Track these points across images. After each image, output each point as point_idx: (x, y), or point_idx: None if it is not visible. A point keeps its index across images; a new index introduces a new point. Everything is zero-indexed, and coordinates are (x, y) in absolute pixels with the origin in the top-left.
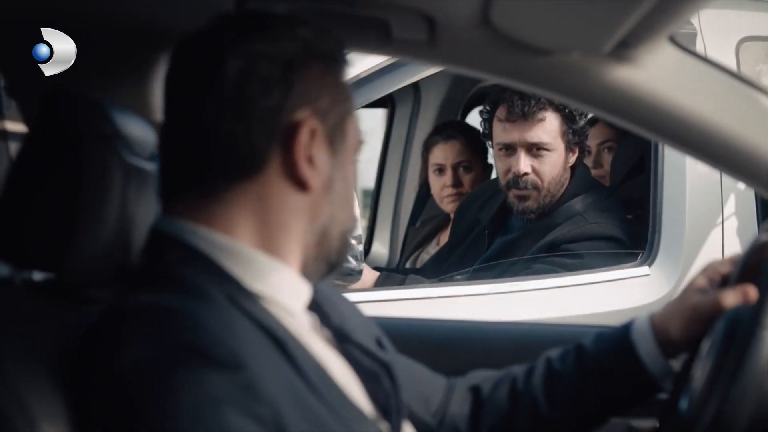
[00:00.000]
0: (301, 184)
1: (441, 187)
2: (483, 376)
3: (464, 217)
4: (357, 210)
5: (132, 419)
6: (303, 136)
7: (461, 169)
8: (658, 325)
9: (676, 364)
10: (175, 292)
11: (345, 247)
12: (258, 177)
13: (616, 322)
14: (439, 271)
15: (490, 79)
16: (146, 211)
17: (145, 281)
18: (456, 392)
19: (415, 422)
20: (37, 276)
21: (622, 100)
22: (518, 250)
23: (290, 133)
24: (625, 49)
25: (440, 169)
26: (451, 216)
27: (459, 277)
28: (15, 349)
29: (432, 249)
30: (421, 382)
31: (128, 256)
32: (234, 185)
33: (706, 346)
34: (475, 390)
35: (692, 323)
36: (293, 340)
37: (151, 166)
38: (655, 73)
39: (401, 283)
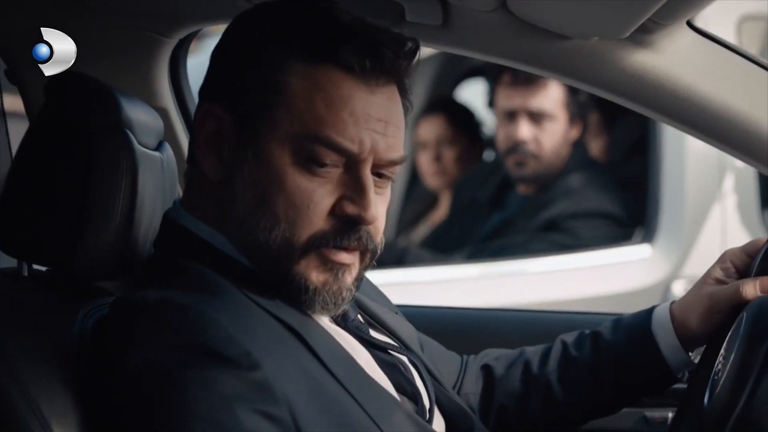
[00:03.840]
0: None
1: (425, 163)
2: (496, 355)
3: (462, 194)
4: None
5: (142, 419)
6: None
7: (445, 144)
8: (677, 316)
9: (695, 355)
10: (187, 286)
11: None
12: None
13: (618, 304)
14: (438, 248)
15: (504, 64)
16: (156, 199)
17: (157, 272)
18: (469, 370)
19: None
20: (46, 269)
21: (641, 86)
22: (516, 228)
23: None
24: (644, 33)
25: (425, 145)
26: (437, 192)
27: (457, 256)
28: (25, 347)
29: (425, 226)
30: (437, 360)
31: (138, 246)
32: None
33: (727, 339)
34: (488, 369)
35: (712, 314)
36: (314, 329)
37: (159, 155)
38: (674, 57)
39: (401, 261)
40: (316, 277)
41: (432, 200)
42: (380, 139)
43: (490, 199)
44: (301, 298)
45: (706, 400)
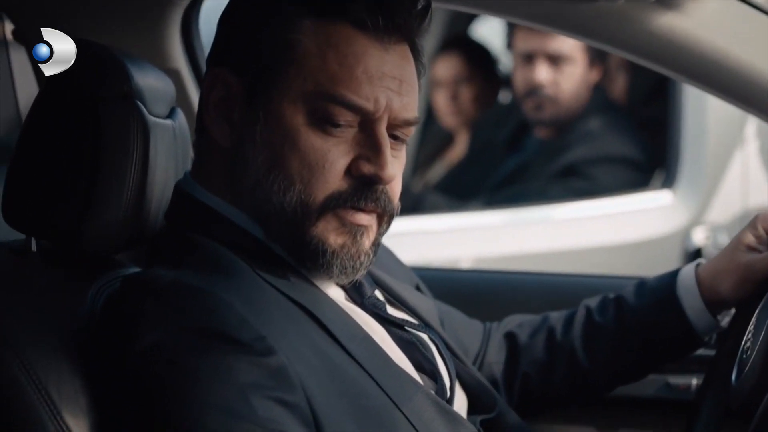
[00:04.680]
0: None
1: (442, 102)
2: (519, 322)
3: (479, 136)
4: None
5: (152, 406)
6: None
7: (462, 82)
8: (704, 280)
9: (723, 319)
10: (200, 265)
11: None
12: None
13: (637, 252)
14: (454, 192)
15: (529, 26)
16: (168, 169)
17: (170, 249)
18: (492, 339)
19: None
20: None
21: (667, 48)
22: (532, 171)
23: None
24: None
25: (441, 83)
26: (453, 132)
27: (474, 202)
28: (33, 331)
29: (441, 167)
30: (459, 330)
31: (150, 219)
32: None
33: (757, 313)
34: (512, 337)
35: (744, 283)
36: (329, 308)
37: (170, 122)
38: (701, 19)
39: (417, 208)
40: (334, 239)
41: (448, 139)
42: (395, 98)
43: (507, 142)
44: (319, 262)
45: (734, 377)
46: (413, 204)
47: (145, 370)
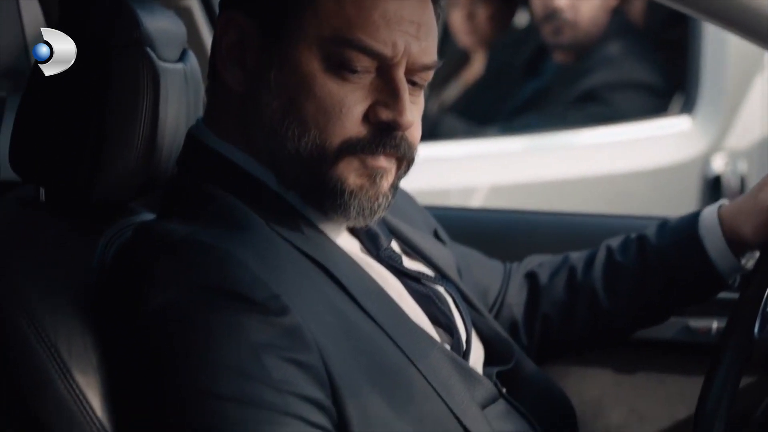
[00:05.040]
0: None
1: (458, 21)
2: (539, 262)
3: (496, 59)
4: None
5: (163, 365)
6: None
7: (477, 1)
8: (727, 220)
9: (747, 261)
10: (213, 219)
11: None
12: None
13: (656, 179)
14: (471, 115)
15: None
16: (179, 115)
17: (182, 200)
18: (513, 279)
19: None
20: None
21: None
22: (551, 97)
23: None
24: None
25: (456, 2)
26: (470, 52)
27: (490, 126)
28: (42, 286)
29: (457, 87)
30: (478, 273)
31: (161, 166)
32: None
33: None
34: (532, 277)
35: None
36: (343, 263)
37: (181, 66)
38: None
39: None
40: (353, 180)
41: (464, 59)
42: (413, 42)
43: (524, 66)
44: (337, 202)
45: (756, 328)
46: (430, 128)
47: (156, 330)
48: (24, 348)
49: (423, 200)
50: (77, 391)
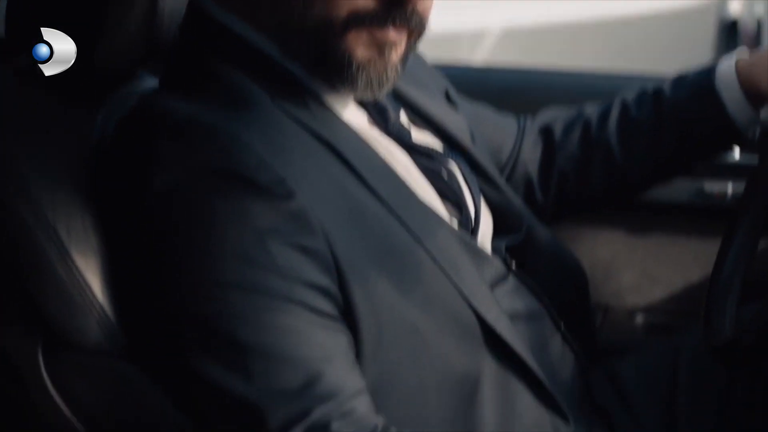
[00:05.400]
0: None
1: None
2: (554, 116)
3: None
4: None
5: (165, 250)
6: None
7: None
8: (744, 71)
9: (766, 115)
10: (216, 97)
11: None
12: None
13: (672, 23)
14: None
15: None
16: None
17: (184, 73)
18: (527, 135)
19: None
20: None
21: None
22: None
23: None
24: None
25: None
26: None
27: None
28: (39, 164)
29: None
30: (491, 131)
31: (164, 32)
32: None
33: None
34: (547, 133)
35: None
36: (351, 141)
37: None
38: None
39: None
40: (361, 52)
41: None
42: None
43: None
44: (344, 75)
45: None
46: None
47: (157, 214)
48: (22, 229)
49: (432, 48)
50: (77, 275)
